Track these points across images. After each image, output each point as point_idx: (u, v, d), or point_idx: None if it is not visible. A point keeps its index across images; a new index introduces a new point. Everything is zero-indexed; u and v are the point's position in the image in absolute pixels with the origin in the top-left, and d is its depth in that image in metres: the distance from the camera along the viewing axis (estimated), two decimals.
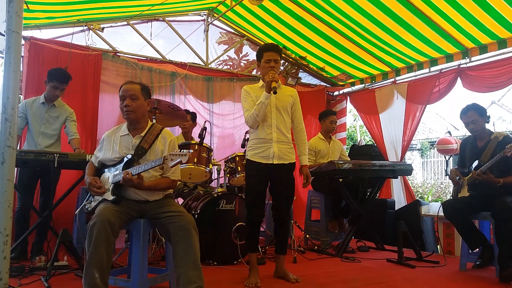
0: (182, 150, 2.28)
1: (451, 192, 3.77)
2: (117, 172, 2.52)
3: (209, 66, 5.84)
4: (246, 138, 4.21)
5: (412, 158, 12.13)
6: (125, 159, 2.52)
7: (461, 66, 4.85)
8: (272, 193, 3.16)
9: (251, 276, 2.99)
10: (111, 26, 5.20)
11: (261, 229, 3.85)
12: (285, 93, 3.17)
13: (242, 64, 6.28)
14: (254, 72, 6.28)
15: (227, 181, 4.08)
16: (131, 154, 2.53)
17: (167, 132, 2.70)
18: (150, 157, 2.56)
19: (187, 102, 5.50)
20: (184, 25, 5.75)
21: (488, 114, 3.50)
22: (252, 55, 6.34)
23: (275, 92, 2.93)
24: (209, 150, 3.90)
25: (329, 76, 6.51)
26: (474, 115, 3.45)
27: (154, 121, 3.45)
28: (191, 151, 2.33)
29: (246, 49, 6.32)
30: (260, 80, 3.21)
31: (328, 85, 6.67)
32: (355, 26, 4.98)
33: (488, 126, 3.57)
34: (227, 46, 6.11)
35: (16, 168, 3.11)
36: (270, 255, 3.95)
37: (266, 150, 3.05)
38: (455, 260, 3.79)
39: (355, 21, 4.87)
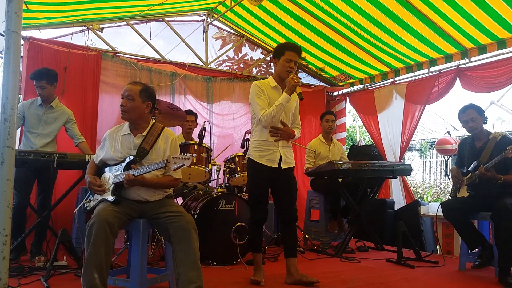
0: (185, 154, 2.28)
1: (450, 192, 3.78)
2: (118, 172, 2.52)
3: (209, 66, 5.84)
4: (246, 138, 4.23)
5: (412, 158, 12.14)
6: (127, 160, 2.52)
7: (460, 66, 4.86)
8: (277, 195, 3.09)
9: (256, 274, 2.99)
10: (111, 26, 5.20)
11: None
12: (293, 98, 3.06)
13: (241, 64, 6.28)
14: (254, 73, 6.29)
15: (226, 181, 4.08)
16: (133, 155, 2.53)
17: (168, 131, 2.71)
18: (152, 156, 2.57)
19: (187, 102, 5.50)
20: (184, 25, 5.75)
21: (486, 115, 3.51)
22: (251, 55, 6.34)
23: (301, 98, 2.89)
24: (209, 150, 3.90)
25: (328, 76, 6.51)
26: (474, 113, 3.47)
27: (153, 121, 3.44)
28: (194, 155, 2.32)
29: (245, 49, 6.32)
30: (271, 78, 3.10)
31: (327, 86, 6.67)
32: (354, 27, 4.98)
33: (487, 126, 3.58)
34: (225, 42, 6.10)
35: None
36: (270, 255, 3.96)
37: (272, 154, 3.00)
38: (455, 260, 3.79)
39: (354, 22, 4.88)
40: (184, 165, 2.24)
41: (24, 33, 4.41)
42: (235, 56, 6.27)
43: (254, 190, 3.08)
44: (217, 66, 6.05)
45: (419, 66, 5.39)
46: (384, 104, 5.83)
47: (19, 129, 3.96)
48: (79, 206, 2.66)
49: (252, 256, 3.12)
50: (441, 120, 15.24)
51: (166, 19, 5.54)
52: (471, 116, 3.47)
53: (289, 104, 3.00)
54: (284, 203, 3.08)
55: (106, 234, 2.23)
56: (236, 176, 4.05)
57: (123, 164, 2.52)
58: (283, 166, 3.03)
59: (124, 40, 5.33)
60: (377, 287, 3.01)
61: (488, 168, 3.27)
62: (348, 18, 4.84)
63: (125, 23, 5.26)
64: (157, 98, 3.11)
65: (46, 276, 2.83)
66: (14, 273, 2.98)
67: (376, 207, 5.04)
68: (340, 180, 4.52)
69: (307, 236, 4.70)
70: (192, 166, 3.68)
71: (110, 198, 2.44)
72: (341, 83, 6.61)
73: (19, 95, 4.28)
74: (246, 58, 6.32)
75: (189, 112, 4.60)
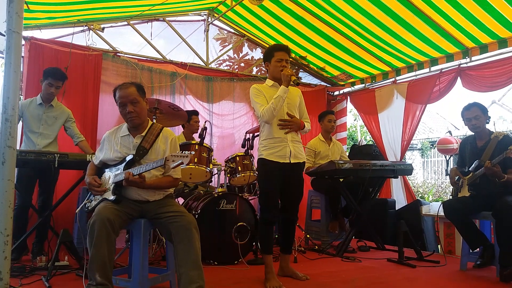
0: (184, 152, 2.28)
1: (451, 191, 3.78)
2: (119, 172, 2.52)
3: (209, 66, 5.84)
4: (246, 138, 4.23)
5: (413, 157, 12.13)
6: (127, 159, 2.52)
7: (461, 65, 4.85)
8: (284, 193, 3.12)
9: (270, 278, 2.94)
10: (112, 26, 5.20)
11: None
12: (293, 93, 3.16)
13: (242, 64, 6.27)
14: (254, 72, 6.28)
15: (227, 181, 4.08)
16: (133, 154, 2.53)
17: (168, 131, 2.70)
18: (152, 156, 2.57)
19: (187, 102, 5.50)
20: (185, 25, 5.75)
21: (489, 115, 3.52)
22: (252, 54, 6.33)
23: (298, 84, 2.98)
24: (210, 150, 3.90)
25: (329, 76, 6.50)
26: (478, 111, 3.48)
27: (154, 121, 3.45)
28: (193, 152, 2.34)
29: (246, 49, 6.31)
30: (267, 80, 3.22)
31: (328, 85, 6.67)
32: (355, 26, 4.98)
33: (489, 125, 3.58)
34: (225, 43, 6.10)
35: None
36: None
37: (282, 149, 3.05)
38: (456, 260, 3.78)
39: (355, 21, 4.87)
40: (182, 163, 2.24)
41: (25, 33, 4.42)
42: (236, 56, 6.27)
43: (266, 189, 3.08)
44: (217, 65, 6.05)
45: (420, 65, 5.38)
46: (385, 104, 5.83)
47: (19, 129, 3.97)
48: (80, 206, 2.66)
49: (263, 257, 3.09)
50: (442, 119, 15.23)
51: (167, 19, 5.53)
52: (475, 114, 3.47)
53: (292, 98, 3.11)
54: (291, 201, 3.16)
55: (107, 232, 2.23)
56: (237, 176, 4.04)
57: (123, 164, 2.53)
58: (292, 161, 3.06)
59: (125, 40, 5.33)
60: (378, 286, 3.01)
61: (495, 164, 3.25)
62: (349, 17, 4.84)
63: (126, 23, 5.26)
64: (157, 98, 3.13)
65: (47, 276, 2.83)
66: (16, 273, 2.99)
67: (377, 206, 5.03)
68: (341, 179, 4.52)
69: (308, 235, 4.69)
70: (193, 166, 3.68)
71: (111, 197, 2.45)
72: (342, 83, 6.61)
73: (20, 95, 4.29)
74: (246, 57, 6.31)
75: (196, 112, 4.63)
